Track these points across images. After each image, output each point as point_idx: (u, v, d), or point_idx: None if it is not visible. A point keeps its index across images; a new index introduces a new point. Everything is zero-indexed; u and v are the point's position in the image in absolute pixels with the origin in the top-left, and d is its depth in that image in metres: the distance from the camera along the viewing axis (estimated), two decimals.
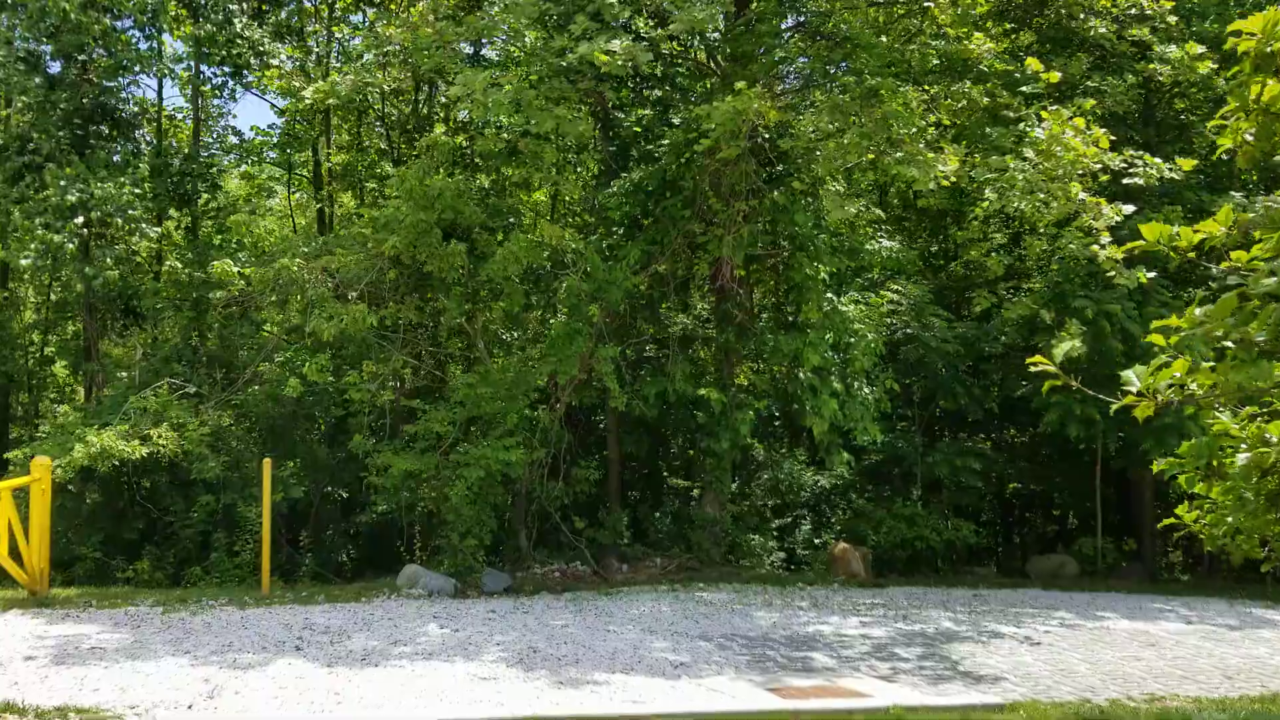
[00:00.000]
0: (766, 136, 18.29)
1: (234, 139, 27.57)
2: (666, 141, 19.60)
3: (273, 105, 28.72)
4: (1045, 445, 24.40)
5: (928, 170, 15.20)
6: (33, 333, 23.42)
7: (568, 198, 21.51)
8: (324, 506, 21.30)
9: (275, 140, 27.97)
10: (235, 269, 16.97)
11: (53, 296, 22.21)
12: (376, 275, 16.63)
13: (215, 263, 16.92)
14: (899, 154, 15.31)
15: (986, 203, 16.32)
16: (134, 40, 20.01)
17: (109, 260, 17.36)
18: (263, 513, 15.85)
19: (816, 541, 22.67)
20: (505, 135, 17.86)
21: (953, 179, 15.30)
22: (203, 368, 19.47)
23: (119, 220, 16.99)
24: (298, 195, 29.21)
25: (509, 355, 18.85)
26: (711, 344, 22.30)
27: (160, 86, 21.32)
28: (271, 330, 18.59)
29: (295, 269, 16.50)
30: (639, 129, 20.77)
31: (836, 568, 20.50)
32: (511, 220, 17.85)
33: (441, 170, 16.41)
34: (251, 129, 31.62)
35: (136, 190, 17.41)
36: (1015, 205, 16.55)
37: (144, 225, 17.45)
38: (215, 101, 27.89)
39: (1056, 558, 22.38)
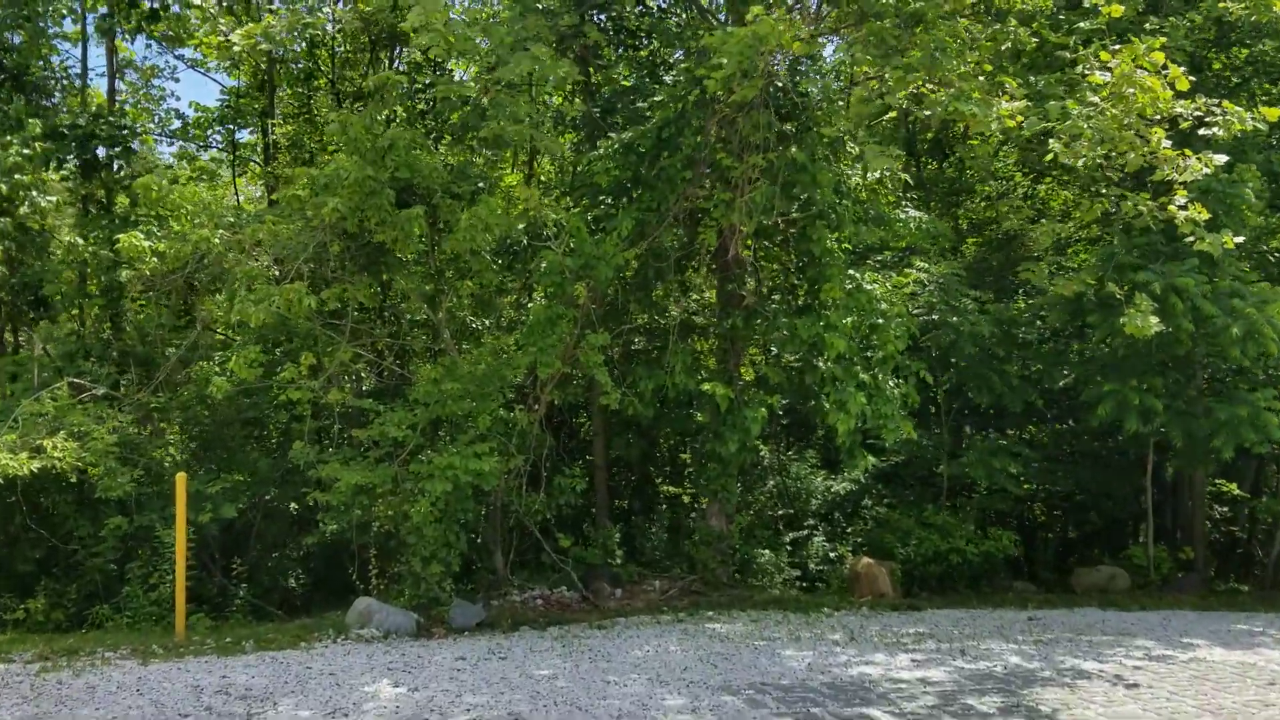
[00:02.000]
0: (780, 85, 15.48)
1: (176, 121, 24.84)
2: (660, 97, 16.77)
3: (217, 83, 25.67)
4: (1078, 442, 21.78)
5: (988, 108, 12.43)
6: None
7: (548, 160, 18.59)
8: (267, 526, 18.26)
9: (216, 116, 25.13)
10: (147, 243, 13.93)
11: None
12: (316, 249, 13.65)
13: (121, 236, 13.89)
14: (951, 90, 12.53)
15: (1050, 154, 13.54)
16: None
17: None
18: (178, 538, 12.86)
19: (832, 555, 19.89)
20: (471, 83, 14.93)
21: (1018, 118, 12.50)
22: (113, 365, 16.41)
23: (3, 186, 13.95)
24: (243, 180, 26.15)
25: (479, 346, 15.89)
26: (711, 332, 19.47)
27: (84, 39, 18.22)
28: (189, 318, 15.57)
29: (216, 241, 13.51)
30: (627, 83, 17.94)
31: (860, 586, 17.74)
32: (480, 185, 14.91)
33: (396, 119, 13.47)
34: (191, 105, 28.50)
35: (26, 150, 14.36)
36: (1084, 157, 13.83)
37: (34, 193, 14.40)
38: (156, 81, 25.27)
39: (1105, 569, 19.71)
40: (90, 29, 18.60)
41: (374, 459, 14.71)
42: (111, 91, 17.86)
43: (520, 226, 15.04)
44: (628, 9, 19.08)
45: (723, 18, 17.33)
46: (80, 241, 15.03)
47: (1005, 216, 22.77)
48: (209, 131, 25.15)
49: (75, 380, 15.87)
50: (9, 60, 17.22)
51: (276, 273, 13.99)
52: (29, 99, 17.05)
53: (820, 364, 16.59)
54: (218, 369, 15.17)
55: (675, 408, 18.72)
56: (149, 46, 23.53)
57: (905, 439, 16.84)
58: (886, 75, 12.77)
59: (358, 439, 14.76)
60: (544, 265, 15.11)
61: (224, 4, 16.77)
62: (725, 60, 12.74)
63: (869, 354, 16.92)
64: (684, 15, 19.45)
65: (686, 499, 22.10)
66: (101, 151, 16.59)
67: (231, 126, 24.72)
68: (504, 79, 13.41)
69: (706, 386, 16.25)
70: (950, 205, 22.20)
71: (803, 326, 16.05)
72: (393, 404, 14.48)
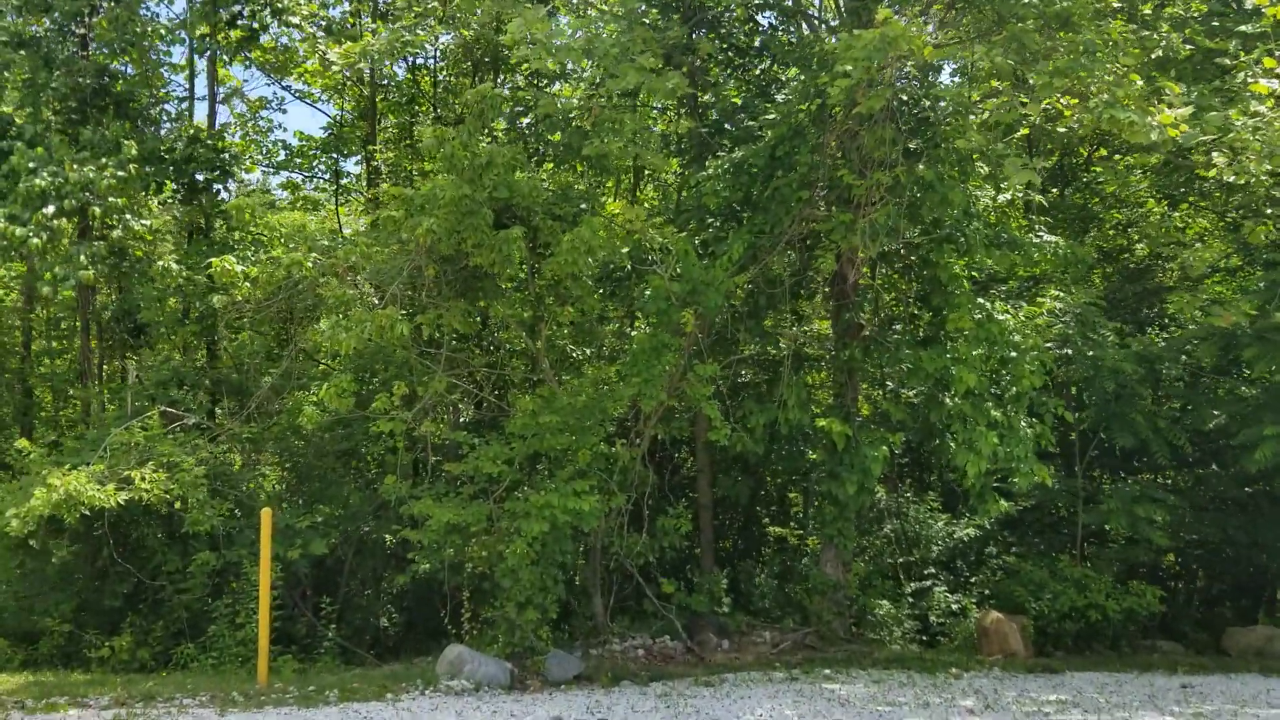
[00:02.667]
0: (906, 98, 14.36)
1: (282, 152, 24.77)
2: (773, 114, 15.78)
3: (323, 113, 25.45)
4: (1223, 487, 19.93)
5: (1147, 116, 11.12)
6: (27, 356, 20.02)
7: (652, 185, 17.66)
8: (359, 563, 17.57)
9: (320, 145, 24.96)
10: (239, 268, 13.38)
11: (51, 309, 18.87)
12: (411, 273, 12.91)
13: (214, 260, 13.37)
14: (1104, 96, 11.26)
15: (1215, 170, 12.17)
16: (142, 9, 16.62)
17: (83, 258, 13.87)
18: (261, 577, 12.16)
19: (955, 607, 18.40)
20: (575, 100, 14.15)
21: (1181, 127, 11.17)
22: (207, 394, 15.93)
23: (97, 209, 13.55)
24: (345, 209, 25.87)
25: (579, 376, 15.00)
26: (821, 363, 18.29)
27: (191, 68, 17.93)
28: (288, 345, 15.00)
29: (309, 265, 12.88)
30: (737, 100, 16.98)
31: (988, 643, 16.27)
32: (583, 206, 14.06)
33: (495, 137, 12.69)
34: (295, 134, 28.43)
35: (121, 173, 13.97)
36: (1251, 175, 12.45)
37: (128, 216, 13.99)
38: (264, 113, 25.23)
39: (1262, 630, 17.87)
40: (187, 50, 18.38)
41: (468, 495, 13.89)
42: (212, 114, 17.58)
43: (624, 250, 14.10)
44: (737, 26, 18.16)
45: (836, 35, 16.27)
46: (175, 266, 14.60)
47: (1138, 243, 21.15)
48: (314, 162, 25.03)
49: (168, 409, 15.42)
50: (116, 87, 17.00)
51: (375, 300, 13.30)
52: (134, 124, 16.79)
53: (947, 400, 15.33)
54: (312, 398, 14.51)
55: (786, 444, 17.54)
56: (250, 69, 23.58)
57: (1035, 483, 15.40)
58: (1032, 80, 11.53)
59: (451, 474, 13.95)
60: (649, 291, 14.15)
61: (324, 25, 16.32)
62: (850, 67, 11.67)
63: (1000, 390, 15.61)
64: (797, 33, 18.44)
65: (793, 541, 20.85)
66: (201, 176, 16.20)
67: (335, 156, 24.54)
68: (610, 91, 12.55)
69: (822, 422, 15.11)
70: (1079, 231, 20.66)
71: (928, 359, 14.84)
72: (488, 437, 13.63)
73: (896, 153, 13.23)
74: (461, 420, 15.90)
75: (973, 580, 19.56)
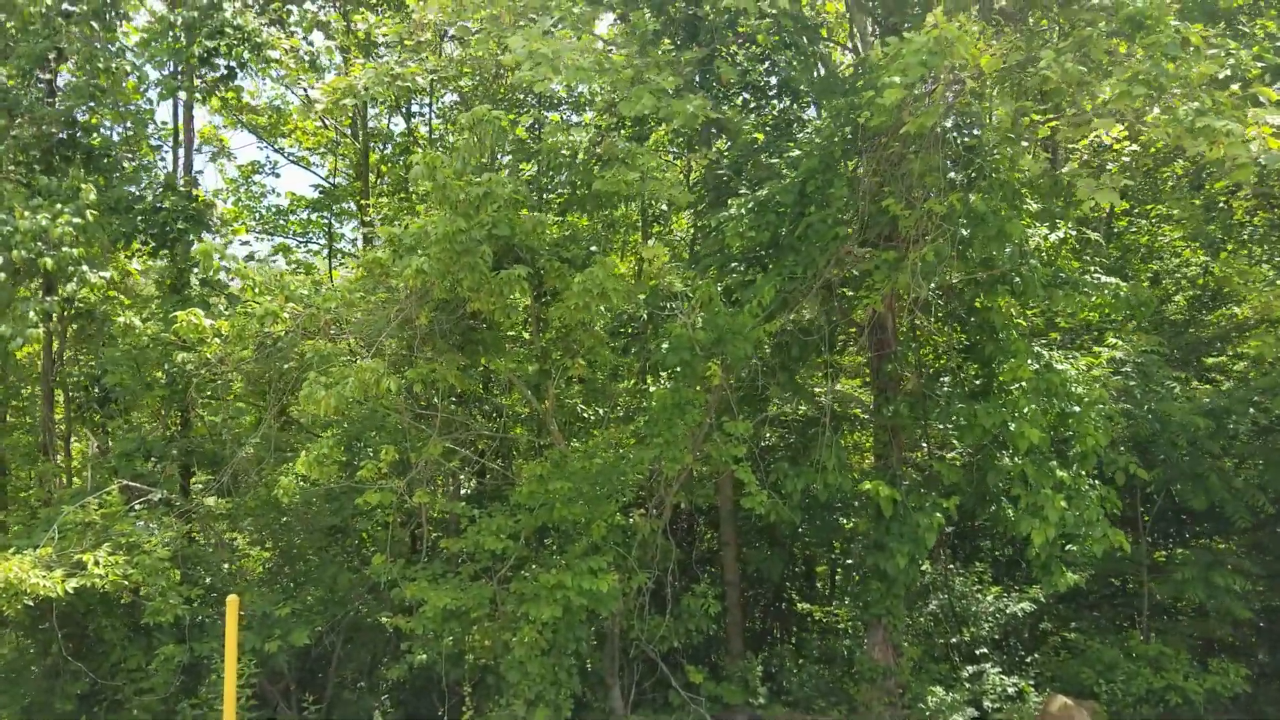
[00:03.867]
0: (954, 122, 12.93)
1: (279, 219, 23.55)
2: (798, 151, 14.36)
3: (316, 175, 24.18)
4: None
5: (1243, 125, 9.62)
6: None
7: (665, 226, 16.17)
8: (350, 653, 15.79)
9: (310, 204, 23.70)
10: (208, 322, 11.83)
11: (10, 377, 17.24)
12: (401, 323, 11.35)
13: (179, 314, 11.83)
14: (1194, 104, 9.77)
15: None
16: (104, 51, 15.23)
17: (32, 314, 12.33)
18: (226, 673, 10.40)
19: (1011, 691, 16.51)
20: (583, 137, 12.72)
21: None
22: (176, 465, 14.29)
23: (48, 261, 12.05)
24: (340, 271, 24.47)
25: (590, 439, 13.37)
26: (856, 421, 16.64)
27: (177, 121, 16.45)
28: (268, 409, 13.38)
29: (285, 316, 11.32)
30: (760, 135, 15.57)
31: None
32: (593, 249, 12.55)
33: (495, 164, 11.22)
34: (287, 195, 27.05)
35: (78, 220, 12.48)
36: None
37: (85, 268, 12.47)
38: (258, 177, 24.08)
39: None
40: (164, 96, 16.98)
41: (468, 576, 12.19)
42: (188, 161, 16.14)
43: (641, 296, 12.52)
44: (752, 66, 16.80)
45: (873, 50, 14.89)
46: (138, 323, 13.05)
47: (1175, 294, 19.60)
48: (308, 226, 23.74)
49: (133, 484, 13.77)
50: (92, 141, 15.62)
51: (363, 355, 11.72)
52: (106, 176, 15.38)
53: (1005, 459, 13.68)
54: (292, 470, 12.88)
55: (822, 512, 15.86)
56: (239, 130, 22.32)
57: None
58: (1106, 92, 10.04)
59: (449, 550, 12.27)
60: (667, 343, 12.57)
61: (308, 60, 14.95)
62: (899, 77, 10.20)
63: (1062, 448, 14.00)
64: (812, 73, 17.01)
65: (823, 618, 19.04)
66: (174, 228, 14.70)
67: (328, 216, 23.25)
68: (624, 118, 11.11)
69: (867, 486, 13.44)
70: (1128, 274, 19.13)
71: (984, 414, 13.21)
72: (491, 509, 11.98)
73: (945, 181, 11.73)
74: (461, 491, 14.21)
75: (1028, 660, 17.71)
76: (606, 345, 12.54)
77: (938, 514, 13.54)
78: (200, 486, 14.74)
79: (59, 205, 12.63)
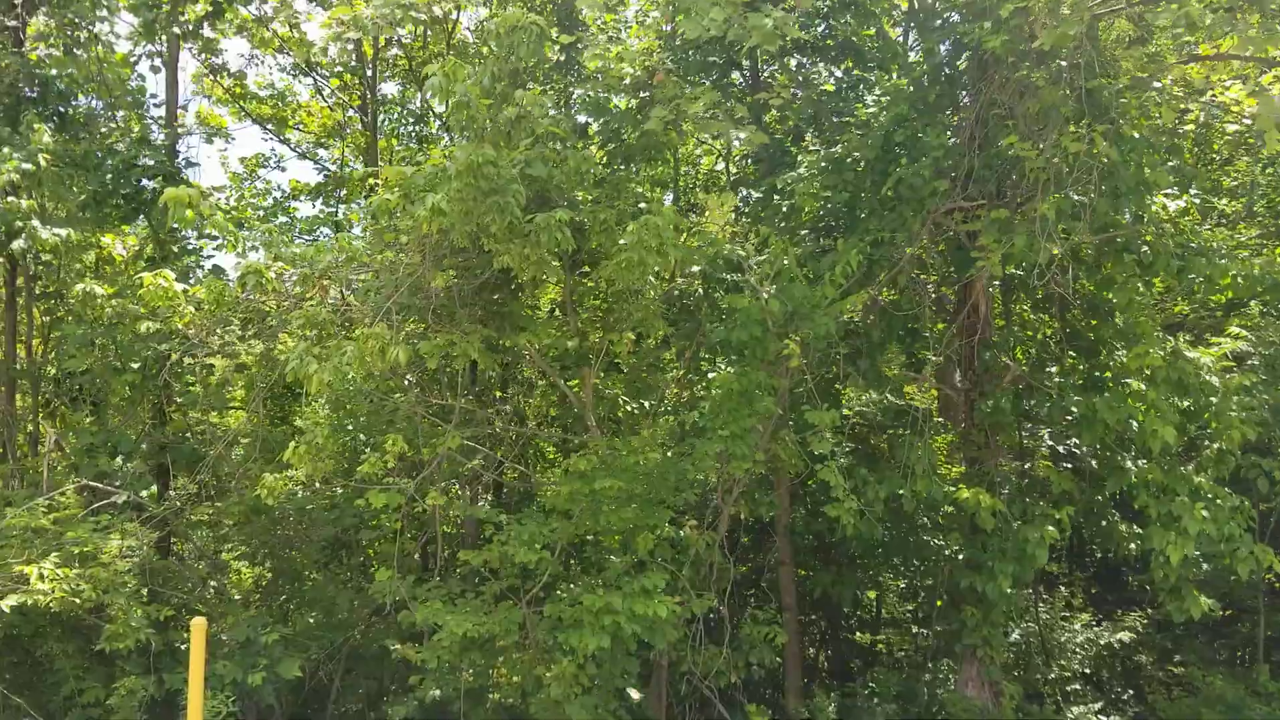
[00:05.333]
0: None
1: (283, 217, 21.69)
2: (871, 106, 12.28)
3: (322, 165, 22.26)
4: None
5: None
6: None
7: (734, 160, 13.76)
8: (351, 684, 13.63)
9: (315, 188, 21.88)
10: (180, 287, 9.72)
11: None
12: (411, 285, 9.21)
13: (145, 276, 9.73)
14: None
15: None
16: None
17: None
18: (189, 711, 8.21)
19: None
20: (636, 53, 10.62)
21: None
22: (145, 463, 12.16)
23: None
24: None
25: (635, 431, 11.19)
26: (957, 419, 14.36)
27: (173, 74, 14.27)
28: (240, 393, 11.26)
29: (271, 275, 9.21)
30: (829, 87, 13.45)
31: None
32: (642, 205, 10.41)
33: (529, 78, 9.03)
34: (291, 184, 24.99)
35: (28, 165, 10.42)
36: None
37: (35, 223, 10.37)
38: (261, 172, 22.33)
39: None
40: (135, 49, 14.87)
41: (491, 596, 10.01)
42: (171, 114, 14.02)
43: (711, 253, 10.32)
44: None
45: None
46: (98, 291, 10.94)
47: None
48: (314, 224, 21.79)
49: (95, 484, 11.65)
50: (55, 88, 13.58)
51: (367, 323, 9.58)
52: (73, 135, 13.33)
53: (1128, 463, 11.49)
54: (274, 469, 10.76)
55: (896, 524, 13.64)
56: (243, 120, 20.46)
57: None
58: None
59: (468, 565, 10.10)
60: (729, 318, 10.42)
61: None
62: None
63: (1195, 450, 11.83)
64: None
65: (893, 647, 16.81)
66: (148, 184, 12.63)
67: (335, 208, 21.34)
68: (685, 37, 9.03)
69: (965, 494, 11.24)
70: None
71: (1105, 408, 11.02)
72: (520, 515, 9.80)
73: (1082, 110, 9.58)
74: (479, 500, 12.02)
75: (1123, 699, 15.47)
76: (658, 317, 10.35)
77: (1049, 527, 11.34)
78: (174, 488, 12.58)
79: (6, 149, 10.54)
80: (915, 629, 15.75)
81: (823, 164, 11.93)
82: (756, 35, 9.21)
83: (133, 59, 16.17)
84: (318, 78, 19.31)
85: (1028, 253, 10.22)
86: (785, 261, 10.27)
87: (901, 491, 11.49)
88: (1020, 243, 10.14)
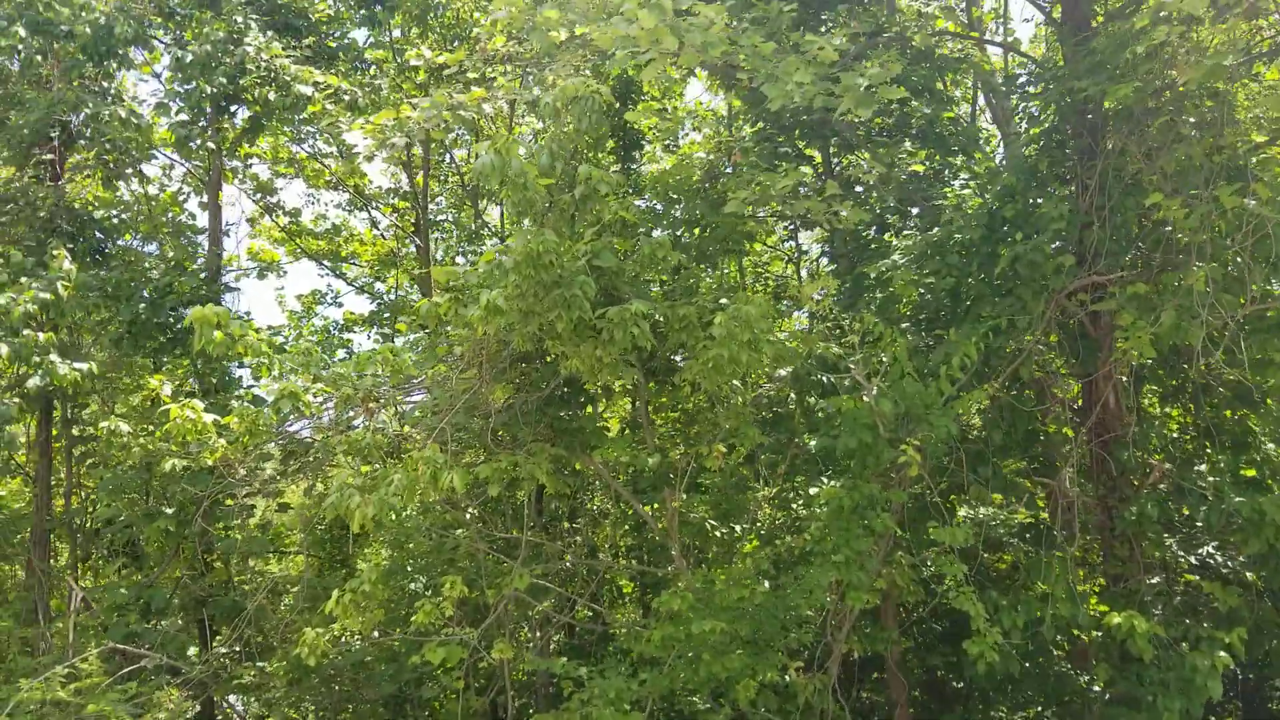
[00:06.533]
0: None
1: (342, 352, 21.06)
2: (961, 188, 11.11)
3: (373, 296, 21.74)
4: None
5: None
6: None
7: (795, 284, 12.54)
8: None
9: (369, 317, 21.33)
10: (208, 417, 8.61)
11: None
12: (466, 401, 7.99)
13: (173, 408, 8.64)
14: None
15: None
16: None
17: None
18: None
19: None
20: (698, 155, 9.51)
21: None
22: (182, 621, 10.90)
23: (2, 348, 9.01)
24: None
25: (727, 562, 9.71)
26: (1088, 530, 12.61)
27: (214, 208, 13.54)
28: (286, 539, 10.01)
29: (309, 399, 8.06)
30: (920, 167, 12.26)
31: None
32: (724, 301, 9.16)
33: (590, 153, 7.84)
34: (345, 315, 24.28)
35: (46, 295, 9.50)
36: None
37: (54, 358, 9.39)
38: (319, 309, 21.90)
39: None
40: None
41: None
42: (214, 242, 13.20)
43: (804, 354, 9.01)
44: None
45: None
46: (124, 428, 9.86)
47: None
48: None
49: (125, 647, 10.39)
50: (103, 221, 12.88)
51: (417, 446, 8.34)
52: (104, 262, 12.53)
53: None
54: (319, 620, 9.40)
55: (1034, 657, 11.87)
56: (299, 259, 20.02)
57: None
58: None
59: None
60: (838, 419, 9.03)
61: (349, 102, 12.02)
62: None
63: None
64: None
65: None
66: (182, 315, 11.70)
67: (387, 331, 20.54)
68: (770, 102, 7.93)
69: (1117, 618, 9.55)
70: None
71: (1274, 508, 9.39)
72: (603, 666, 8.32)
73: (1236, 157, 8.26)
74: (553, 638, 10.52)
75: None
76: (750, 425, 8.98)
77: (1222, 655, 9.58)
78: (213, 649, 11.27)
79: (25, 280, 9.64)
80: None
81: (920, 247, 10.66)
82: (848, 99, 8.04)
83: (181, 197, 15.68)
84: (371, 211, 18.81)
85: (1175, 332, 8.79)
86: (894, 356, 8.90)
87: (1041, 617, 9.85)
88: (1169, 320, 8.71)
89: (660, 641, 8.02)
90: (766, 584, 9.00)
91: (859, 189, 11.06)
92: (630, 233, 8.43)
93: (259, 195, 18.56)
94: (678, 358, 9.28)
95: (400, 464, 7.40)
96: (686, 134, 12.86)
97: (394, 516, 8.02)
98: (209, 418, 8.68)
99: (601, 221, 7.83)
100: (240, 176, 17.33)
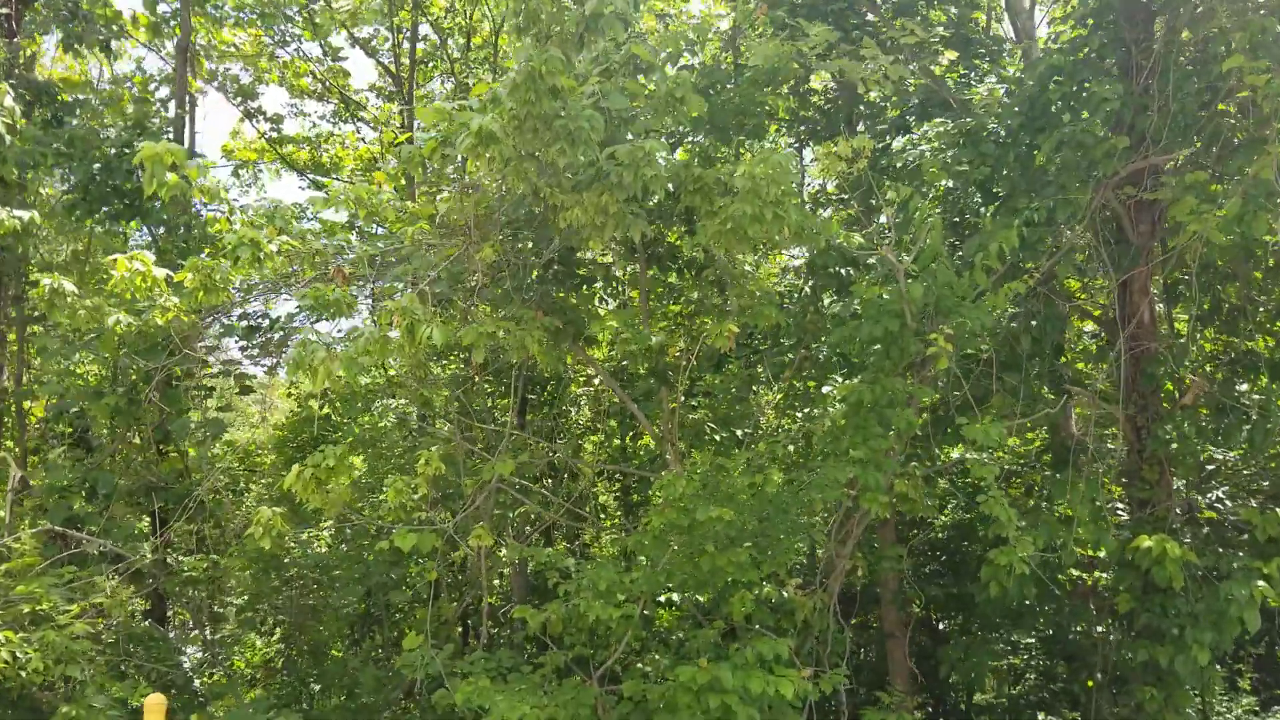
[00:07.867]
0: None
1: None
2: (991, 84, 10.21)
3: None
4: None
5: None
6: None
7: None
8: None
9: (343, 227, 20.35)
10: (159, 272, 7.63)
11: None
12: (446, 264, 7.07)
13: (119, 259, 7.64)
14: None
15: None
16: None
17: None
18: None
19: None
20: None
21: None
22: (128, 506, 10.00)
23: None
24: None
25: (730, 454, 8.82)
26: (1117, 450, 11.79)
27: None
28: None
29: (271, 248, 7.12)
30: (955, 75, 11.30)
31: None
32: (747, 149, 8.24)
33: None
34: (320, 224, 23.19)
35: None
36: None
37: None
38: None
39: None
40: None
41: (553, 670, 7.66)
42: (180, 103, 12.04)
43: (834, 229, 8.08)
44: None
45: None
46: (69, 287, 8.86)
47: None
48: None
49: (64, 529, 9.49)
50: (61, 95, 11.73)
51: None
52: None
53: None
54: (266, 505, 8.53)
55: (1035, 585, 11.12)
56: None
57: None
58: None
59: (524, 629, 7.77)
60: (856, 304, 8.16)
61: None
62: None
63: None
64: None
65: None
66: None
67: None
68: None
69: (1146, 541, 8.79)
70: None
71: None
72: (601, 559, 7.49)
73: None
74: (533, 537, 9.63)
75: None
76: (771, 303, 8.08)
77: (1259, 583, 8.85)
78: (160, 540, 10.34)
79: None
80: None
81: (953, 133, 9.72)
82: None
83: (153, 86, 14.57)
84: (356, 122, 17.84)
85: (1239, 222, 7.93)
86: (928, 240, 8.01)
87: (1060, 542, 9.10)
88: (1232, 208, 7.85)
89: (656, 533, 7.15)
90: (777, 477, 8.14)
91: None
92: (647, 73, 7.42)
93: (240, 100, 17.46)
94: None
95: (370, 318, 6.50)
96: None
97: (362, 384, 7.12)
98: (160, 272, 7.71)
99: (609, 58, 6.86)
100: (216, 73, 16.25)
